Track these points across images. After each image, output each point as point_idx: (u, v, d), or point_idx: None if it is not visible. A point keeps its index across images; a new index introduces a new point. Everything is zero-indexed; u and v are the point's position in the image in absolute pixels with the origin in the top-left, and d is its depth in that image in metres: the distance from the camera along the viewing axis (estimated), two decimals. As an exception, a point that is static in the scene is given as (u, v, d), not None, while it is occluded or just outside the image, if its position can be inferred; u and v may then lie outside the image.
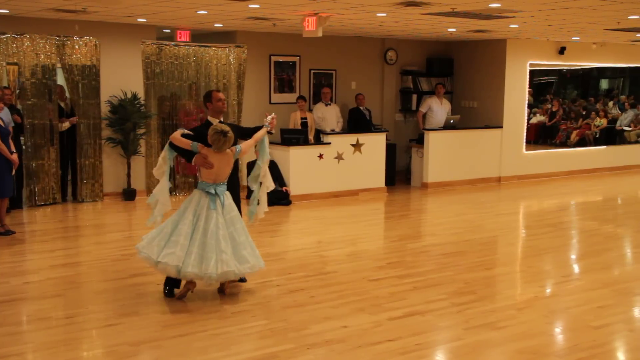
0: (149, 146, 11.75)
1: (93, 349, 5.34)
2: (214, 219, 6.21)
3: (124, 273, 7.28)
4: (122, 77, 11.40)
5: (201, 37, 12.76)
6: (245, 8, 9.10)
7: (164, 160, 6.50)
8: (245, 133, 6.81)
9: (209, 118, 6.60)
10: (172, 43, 11.90)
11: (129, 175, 11.48)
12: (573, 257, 8.73)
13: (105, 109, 11.29)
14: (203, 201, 6.27)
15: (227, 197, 6.42)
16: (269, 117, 6.80)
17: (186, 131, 6.39)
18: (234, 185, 6.65)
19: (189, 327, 5.67)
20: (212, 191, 6.26)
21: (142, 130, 11.50)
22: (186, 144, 6.25)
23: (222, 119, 6.64)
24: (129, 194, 11.48)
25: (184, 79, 11.93)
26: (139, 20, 10.81)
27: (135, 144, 11.43)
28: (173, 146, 6.39)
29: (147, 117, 11.53)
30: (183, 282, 6.38)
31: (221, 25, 11.63)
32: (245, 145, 6.56)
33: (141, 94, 11.52)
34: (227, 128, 6.22)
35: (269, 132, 6.80)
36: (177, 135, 6.32)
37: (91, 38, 10.99)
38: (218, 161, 6.28)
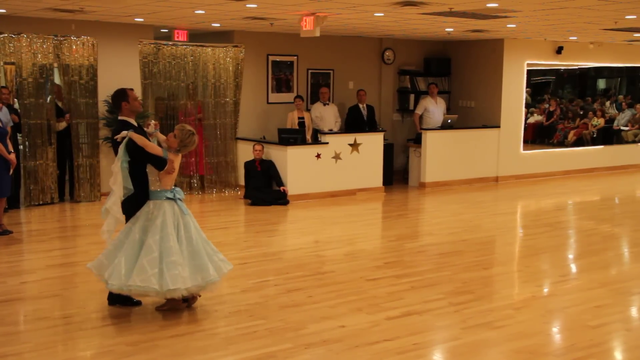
0: (147, 146, 11.72)
1: (90, 348, 5.32)
2: (192, 224, 5.99)
3: (122, 273, 7.26)
4: (119, 76, 11.38)
5: (198, 36, 12.76)
6: (242, 8, 9.10)
7: (121, 168, 5.87)
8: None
9: (125, 118, 6.02)
10: (170, 43, 11.90)
11: (126, 175, 11.45)
12: (570, 256, 8.74)
13: (102, 108, 11.28)
14: (175, 210, 5.93)
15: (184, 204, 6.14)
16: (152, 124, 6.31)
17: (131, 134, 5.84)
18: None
19: (186, 327, 5.67)
20: (178, 196, 5.98)
21: (139, 130, 11.47)
22: (159, 150, 5.88)
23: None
24: (126, 194, 11.45)
25: (182, 79, 11.92)
26: (136, 19, 10.80)
27: (132, 143, 11.39)
28: (138, 152, 5.83)
29: (144, 117, 11.47)
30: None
31: (219, 24, 11.63)
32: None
33: (139, 94, 11.50)
34: (191, 128, 6.05)
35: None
36: (147, 142, 5.87)
37: (88, 38, 10.98)
38: (177, 164, 6.05)
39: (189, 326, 5.70)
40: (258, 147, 11.56)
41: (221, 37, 12.79)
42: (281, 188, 11.39)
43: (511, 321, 5.91)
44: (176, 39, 12.29)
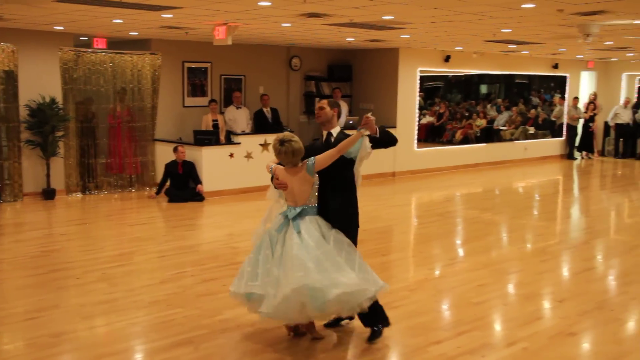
0: (68, 147, 11.35)
1: (14, 341, 5.12)
2: (282, 241, 4.83)
3: (44, 269, 7.02)
4: (40, 82, 10.96)
5: (117, 44, 12.41)
6: (158, 17, 8.92)
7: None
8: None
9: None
10: (90, 50, 11.53)
11: (48, 175, 11.04)
12: (458, 242, 9.02)
13: (24, 112, 10.82)
14: (284, 228, 4.88)
15: (308, 224, 4.83)
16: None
17: (273, 165, 5.01)
18: (342, 204, 5.09)
19: (108, 318, 5.53)
20: (290, 214, 4.86)
21: (60, 133, 11.09)
22: (267, 169, 5.03)
23: (332, 131, 5.15)
24: (48, 194, 11.05)
25: (101, 84, 11.60)
26: (55, 28, 10.40)
27: (54, 145, 11.01)
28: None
29: (65, 120, 11.14)
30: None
31: (136, 33, 11.35)
32: (321, 157, 4.86)
33: (59, 99, 11.11)
34: (289, 136, 4.87)
35: (371, 137, 5.01)
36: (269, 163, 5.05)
37: (9, 44, 10.50)
38: (290, 179, 4.87)
39: (110, 317, 5.56)
40: (182, 149, 11.27)
41: (139, 44, 12.49)
42: (198, 187, 11.21)
43: (407, 301, 6.06)
44: (95, 46, 11.91)
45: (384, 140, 5.05)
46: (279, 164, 5.00)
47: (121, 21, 9.41)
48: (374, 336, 5.07)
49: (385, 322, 5.14)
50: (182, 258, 7.56)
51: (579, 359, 4.97)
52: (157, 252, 7.81)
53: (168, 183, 11.31)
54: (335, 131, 5.14)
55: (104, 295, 6.14)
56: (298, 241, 4.71)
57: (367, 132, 4.93)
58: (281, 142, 4.83)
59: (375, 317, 5.07)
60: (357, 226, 5.18)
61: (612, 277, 7.25)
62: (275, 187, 5.00)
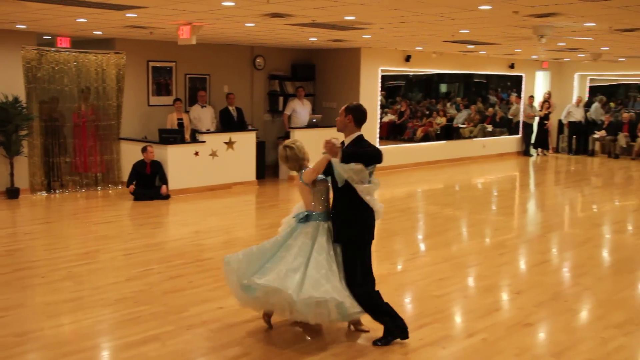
0: (32, 147, 11.14)
1: (-21, 341, 5.03)
2: (294, 248, 4.96)
3: (9, 268, 6.89)
4: (3, 81, 10.73)
5: (81, 43, 12.22)
6: (122, 17, 8.82)
7: None
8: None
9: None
10: (53, 49, 11.33)
11: (12, 174, 10.83)
12: (419, 237, 9.11)
13: (-14, 111, 10.60)
14: (295, 229, 5.09)
15: (306, 229, 4.98)
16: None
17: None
18: (341, 221, 4.94)
19: (73, 316, 5.46)
20: (297, 218, 5.09)
21: (24, 132, 10.88)
22: None
23: (346, 139, 4.99)
24: (12, 193, 10.83)
25: (65, 83, 11.41)
26: (18, 26, 10.20)
27: (17, 144, 10.79)
28: None
29: (29, 119, 10.93)
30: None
31: (101, 32, 11.19)
32: (307, 171, 5.05)
33: (23, 97, 10.90)
34: (291, 142, 5.07)
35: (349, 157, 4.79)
36: None
37: (-30, 43, 10.29)
38: (296, 183, 5.17)
39: (75, 315, 5.49)
40: (151, 149, 11.12)
41: (103, 44, 12.32)
42: (162, 188, 11.08)
43: (369, 295, 6.09)
44: (59, 45, 11.71)
45: (356, 162, 4.79)
46: None
47: (85, 20, 9.27)
48: (378, 341, 4.98)
49: (402, 337, 4.99)
50: (148, 256, 7.50)
51: (534, 348, 5.08)
52: (122, 250, 7.73)
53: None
54: (348, 139, 4.88)
55: (70, 293, 6.06)
56: (282, 239, 5.03)
57: (329, 156, 4.71)
58: (284, 146, 5.06)
59: (387, 332, 5.01)
60: (355, 244, 4.94)
61: (566, 269, 7.42)
62: None
